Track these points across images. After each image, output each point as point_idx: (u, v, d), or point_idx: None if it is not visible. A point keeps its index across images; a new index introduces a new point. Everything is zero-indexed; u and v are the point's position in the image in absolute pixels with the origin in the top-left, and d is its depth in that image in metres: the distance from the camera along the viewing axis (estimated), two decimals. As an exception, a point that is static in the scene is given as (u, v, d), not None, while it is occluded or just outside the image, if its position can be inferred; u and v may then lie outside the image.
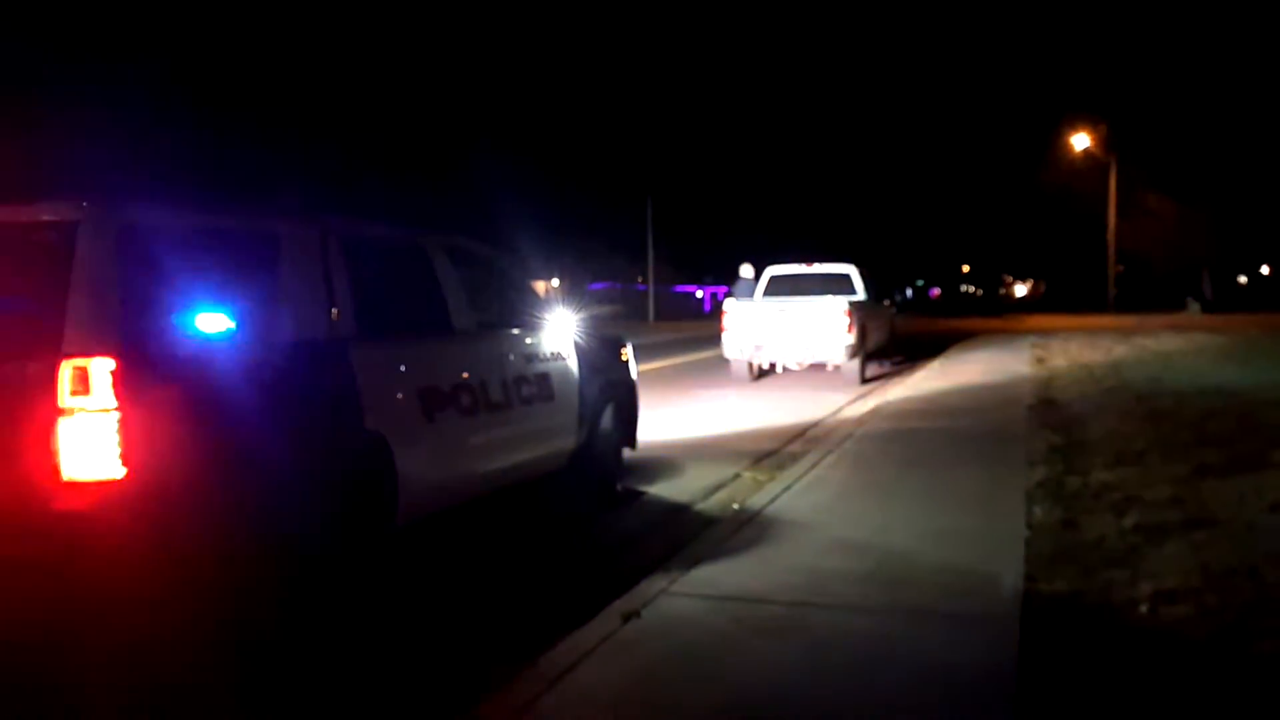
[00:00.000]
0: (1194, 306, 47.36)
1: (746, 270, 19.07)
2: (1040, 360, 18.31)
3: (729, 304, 16.31)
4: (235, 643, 4.29)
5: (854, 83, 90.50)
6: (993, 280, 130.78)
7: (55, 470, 3.78)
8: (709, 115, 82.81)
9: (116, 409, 3.78)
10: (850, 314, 15.23)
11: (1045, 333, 28.38)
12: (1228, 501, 6.31)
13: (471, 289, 6.13)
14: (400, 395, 5.23)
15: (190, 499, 4.03)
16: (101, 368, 3.78)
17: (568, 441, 6.96)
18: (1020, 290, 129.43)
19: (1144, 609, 4.44)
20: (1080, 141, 47.49)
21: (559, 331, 6.96)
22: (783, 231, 64.84)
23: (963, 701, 3.60)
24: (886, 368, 18.83)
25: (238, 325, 4.41)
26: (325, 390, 4.81)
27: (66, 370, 3.76)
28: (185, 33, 35.77)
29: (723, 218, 66.40)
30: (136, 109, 29.78)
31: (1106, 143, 46.72)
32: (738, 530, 6.07)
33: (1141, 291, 54.42)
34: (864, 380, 16.08)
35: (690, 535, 6.15)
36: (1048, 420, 10.24)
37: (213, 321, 4.30)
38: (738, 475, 8.38)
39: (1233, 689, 3.66)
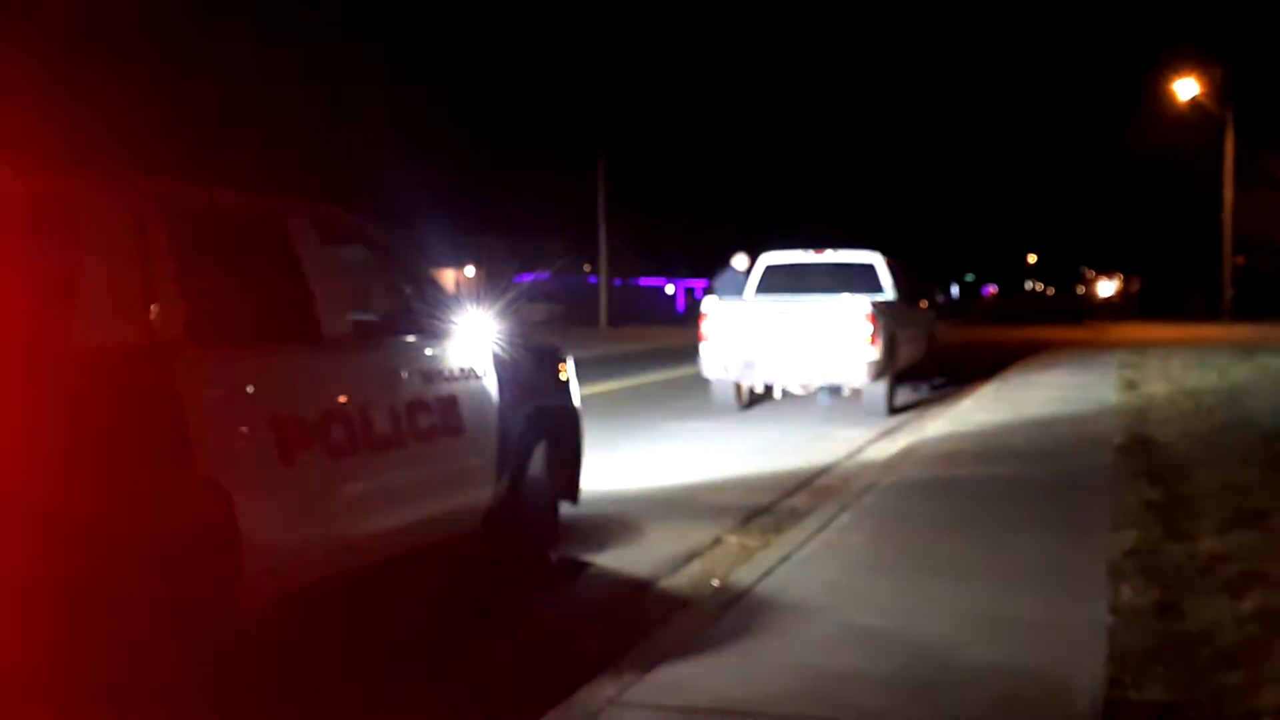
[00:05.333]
0: None
1: (740, 261, 15.22)
2: (1131, 385, 15.72)
3: (710, 304, 12.99)
4: None
5: (878, 18, 66.98)
6: (1068, 275, 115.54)
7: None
8: (686, 50, 60.57)
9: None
10: (875, 319, 12.21)
11: (1138, 346, 24.97)
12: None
13: (347, 281, 4.82)
14: (245, 429, 3.94)
15: None
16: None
17: (482, 493, 5.42)
18: (1105, 289, 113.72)
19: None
20: (1186, 89, 36.20)
21: (471, 340, 5.43)
22: (787, 212, 50.78)
23: None
24: (924, 393, 15.35)
25: None
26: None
27: None
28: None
29: (705, 191, 50.20)
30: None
31: (1221, 92, 36.10)
32: (717, 616, 4.88)
33: (1270, 292, 41.08)
34: (893, 410, 12.96)
35: (651, 623, 4.88)
36: (1141, 467, 8.60)
37: None
38: (718, 540, 6.73)
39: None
